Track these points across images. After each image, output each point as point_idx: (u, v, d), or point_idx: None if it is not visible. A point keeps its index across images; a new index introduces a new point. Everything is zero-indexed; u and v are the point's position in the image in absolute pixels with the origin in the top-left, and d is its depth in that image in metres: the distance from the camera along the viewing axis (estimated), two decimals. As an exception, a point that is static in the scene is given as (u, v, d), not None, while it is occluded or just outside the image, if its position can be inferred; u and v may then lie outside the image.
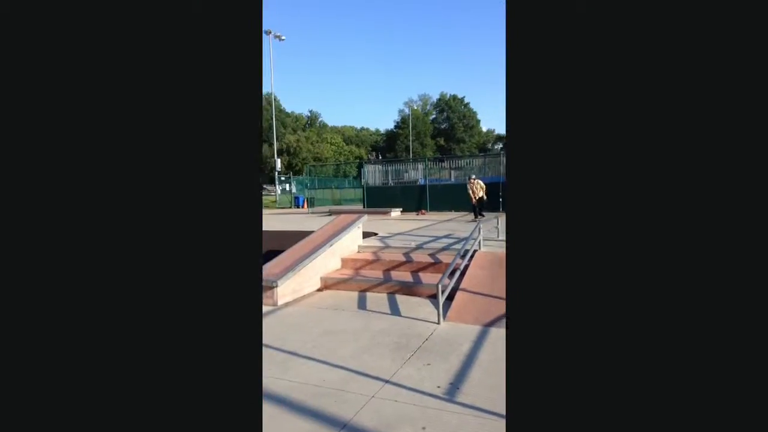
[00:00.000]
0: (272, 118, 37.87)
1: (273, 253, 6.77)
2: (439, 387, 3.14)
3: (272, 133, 35.94)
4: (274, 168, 32.92)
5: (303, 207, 23.73)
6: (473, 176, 12.31)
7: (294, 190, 28.95)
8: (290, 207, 25.87)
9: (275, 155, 33.97)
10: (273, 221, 13.43)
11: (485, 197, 12.02)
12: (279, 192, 32.22)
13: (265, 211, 22.08)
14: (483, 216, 11.63)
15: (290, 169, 47.00)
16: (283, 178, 34.19)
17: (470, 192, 11.96)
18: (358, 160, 45.86)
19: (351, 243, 7.44)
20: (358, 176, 24.94)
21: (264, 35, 32.20)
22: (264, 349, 4.05)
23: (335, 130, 67.27)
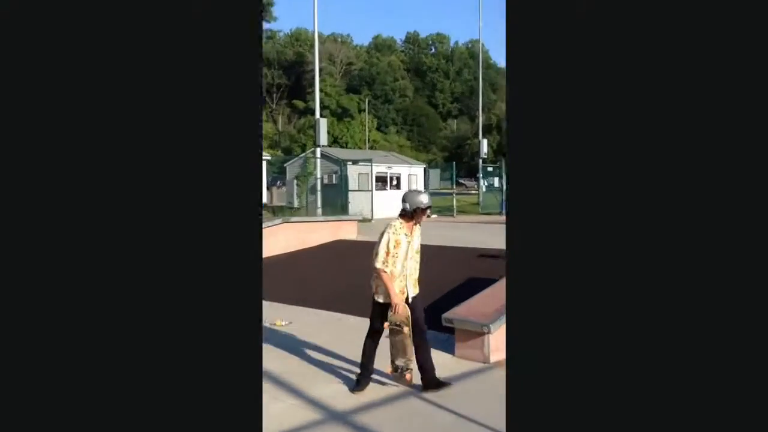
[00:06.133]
0: (478, 78, 26.35)
1: (478, 282, 5.28)
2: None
3: (477, 100, 25.41)
4: (477, 153, 22.86)
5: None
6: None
7: (505, 185, 18.70)
8: (499, 213, 17.61)
9: (480, 134, 23.96)
10: (477, 233, 10.70)
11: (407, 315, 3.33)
12: (483, 188, 21.28)
13: (463, 218, 17.02)
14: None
15: (500, 152, 35.78)
16: (490, 168, 22.27)
17: (376, 285, 3.48)
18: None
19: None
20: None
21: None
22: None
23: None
